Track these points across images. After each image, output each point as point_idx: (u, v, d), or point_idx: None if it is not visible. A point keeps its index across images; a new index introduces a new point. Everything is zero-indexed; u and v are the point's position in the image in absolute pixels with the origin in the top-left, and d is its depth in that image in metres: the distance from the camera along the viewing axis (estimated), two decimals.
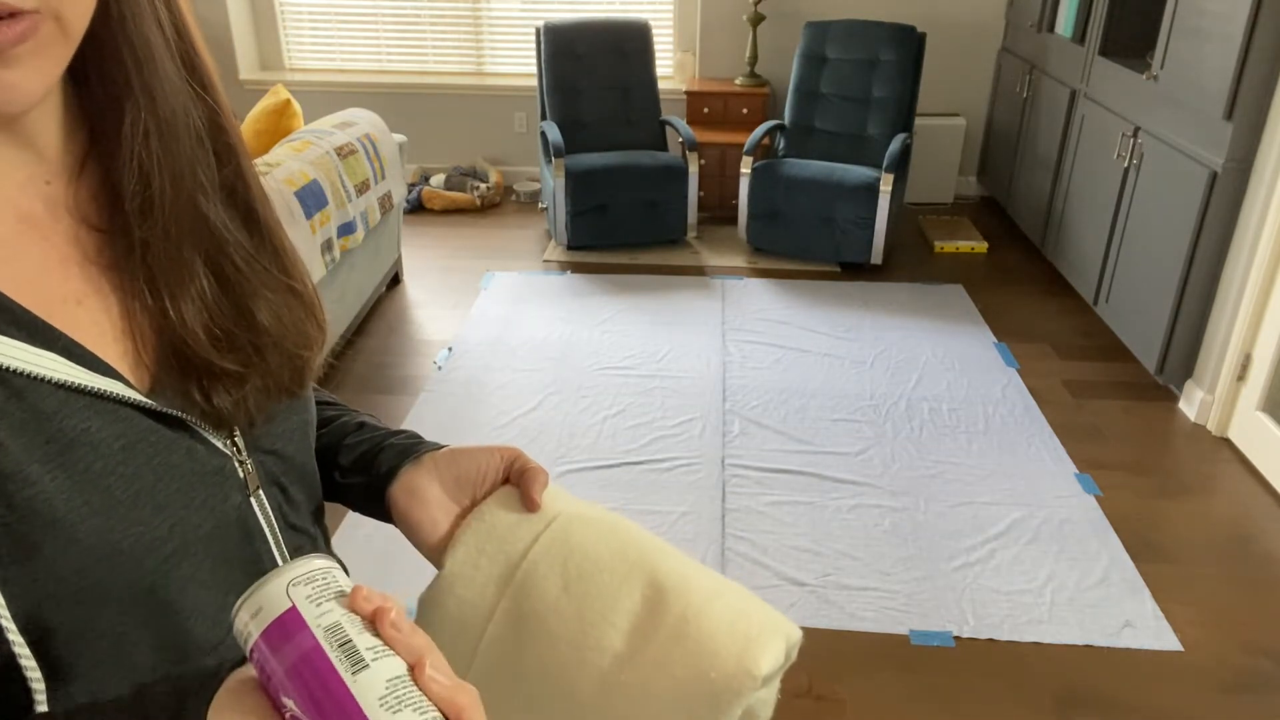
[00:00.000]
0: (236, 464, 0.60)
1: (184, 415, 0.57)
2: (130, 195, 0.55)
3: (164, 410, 0.55)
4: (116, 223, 0.56)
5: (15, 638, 0.48)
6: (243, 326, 0.60)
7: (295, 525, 0.67)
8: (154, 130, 0.55)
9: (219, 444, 0.59)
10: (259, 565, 0.63)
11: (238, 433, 0.61)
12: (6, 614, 0.47)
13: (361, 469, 0.75)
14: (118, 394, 0.52)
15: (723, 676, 0.61)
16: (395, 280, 4.01)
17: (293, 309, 0.64)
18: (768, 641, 0.64)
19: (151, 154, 0.55)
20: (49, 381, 0.49)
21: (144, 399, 0.54)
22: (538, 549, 0.67)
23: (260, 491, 0.63)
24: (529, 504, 0.69)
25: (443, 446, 0.75)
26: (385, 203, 3.54)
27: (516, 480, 0.72)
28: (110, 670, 0.53)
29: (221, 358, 0.58)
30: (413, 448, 0.75)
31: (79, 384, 0.50)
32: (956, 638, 2.13)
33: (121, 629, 0.53)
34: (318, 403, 0.80)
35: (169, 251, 0.57)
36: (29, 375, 0.49)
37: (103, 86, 0.55)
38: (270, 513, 0.64)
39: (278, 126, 3.44)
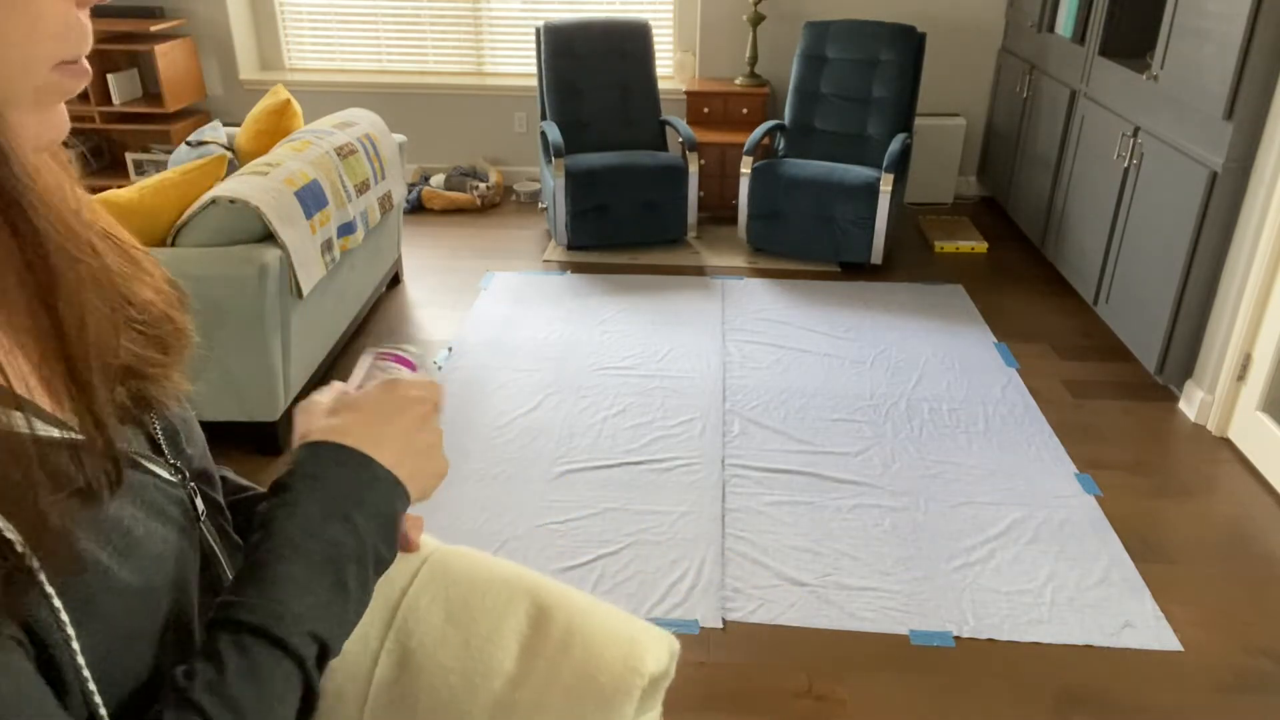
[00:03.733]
0: (184, 492, 0.60)
1: (137, 455, 0.56)
2: None
3: (128, 454, 0.55)
4: None
5: (97, 699, 0.48)
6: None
7: (236, 544, 0.67)
8: None
9: (168, 475, 0.59)
10: (219, 587, 0.62)
11: (180, 463, 0.61)
12: (88, 674, 0.47)
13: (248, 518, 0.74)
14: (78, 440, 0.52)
15: (611, 678, 0.63)
16: (395, 280, 4.01)
17: (156, 285, 0.61)
18: (651, 643, 0.66)
19: None
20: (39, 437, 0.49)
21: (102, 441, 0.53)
22: (417, 584, 0.67)
23: (205, 516, 0.63)
24: (406, 545, 0.68)
25: None
26: (385, 203, 3.54)
27: None
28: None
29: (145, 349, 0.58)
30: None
31: (48, 435, 0.50)
32: (956, 638, 2.13)
33: (162, 666, 0.53)
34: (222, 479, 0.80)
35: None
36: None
37: None
38: (215, 535, 0.64)
39: (278, 126, 3.44)
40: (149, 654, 0.52)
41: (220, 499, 0.67)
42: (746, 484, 2.66)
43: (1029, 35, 4.39)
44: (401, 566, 0.68)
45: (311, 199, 2.92)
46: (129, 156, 4.88)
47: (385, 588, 0.67)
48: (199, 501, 0.62)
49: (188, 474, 0.61)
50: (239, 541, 0.67)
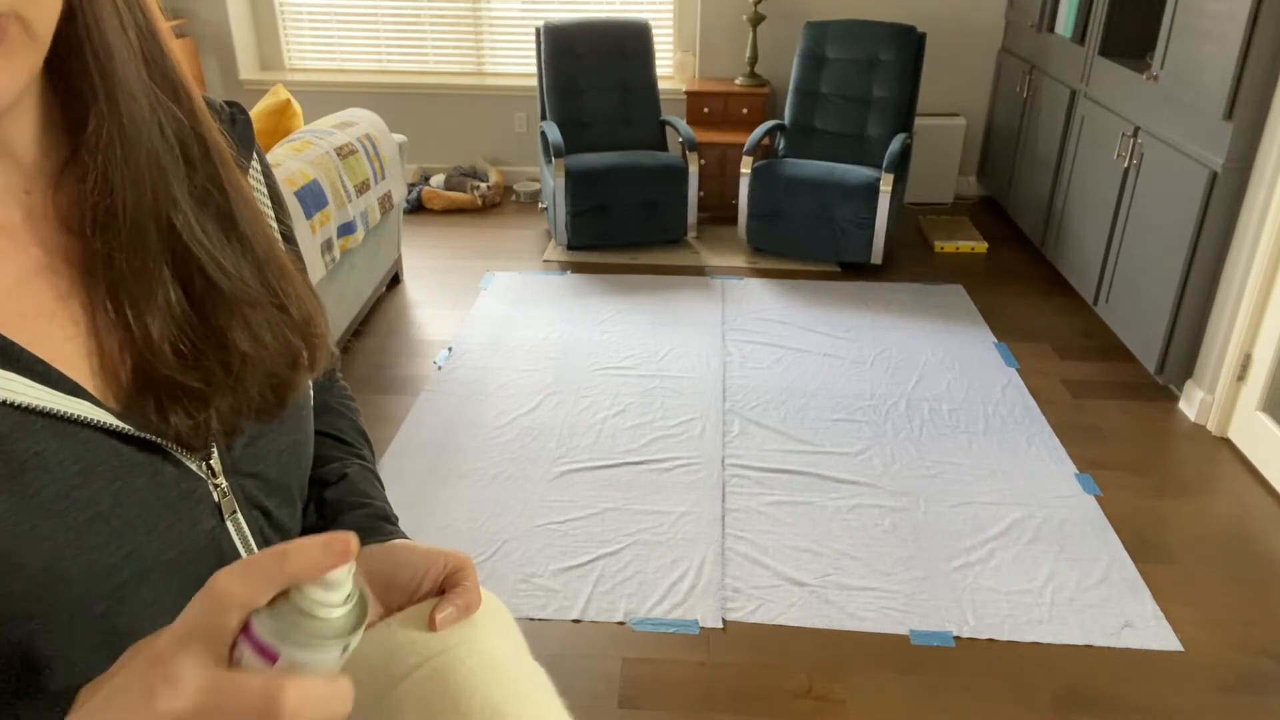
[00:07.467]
0: (211, 487, 0.59)
1: (155, 438, 0.55)
2: (92, 204, 0.53)
3: (132, 432, 0.53)
4: (92, 234, 0.55)
5: None
6: (211, 343, 0.57)
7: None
8: (116, 136, 0.53)
9: (192, 466, 0.57)
10: None
11: (214, 454, 0.59)
12: None
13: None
14: (78, 415, 0.51)
15: None
16: (395, 280, 4.01)
17: (275, 325, 0.61)
18: None
19: (114, 161, 0.53)
20: (5, 403, 0.48)
21: (110, 420, 0.52)
22: (406, 685, 0.61)
23: (238, 515, 0.61)
24: (430, 622, 0.62)
25: (394, 535, 0.71)
26: (385, 203, 3.54)
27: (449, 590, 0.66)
28: (68, 691, 0.51)
29: (185, 375, 0.56)
30: (363, 533, 0.70)
31: (37, 405, 0.49)
32: (956, 638, 2.13)
33: (73, 653, 0.51)
34: (325, 433, 0.79)
35: (133, 262, 0.54)
36: None
37: (69, 92, 0.53)
38: (250, 536, 0.62)
39: (278, 126, 3.43)
40: (53, 637, 0.50)
41: (268, 503, 0.65)
42: (746, 484, 2.66)
43: (1029, 35, 4.39)
44: (405, 656, 0.61)
45: (311, 199, 2.92)
46: None
47: (381, 676, 0.61)
48: (225, 501, 0.60)
49: (219, 470, 0.60)
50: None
